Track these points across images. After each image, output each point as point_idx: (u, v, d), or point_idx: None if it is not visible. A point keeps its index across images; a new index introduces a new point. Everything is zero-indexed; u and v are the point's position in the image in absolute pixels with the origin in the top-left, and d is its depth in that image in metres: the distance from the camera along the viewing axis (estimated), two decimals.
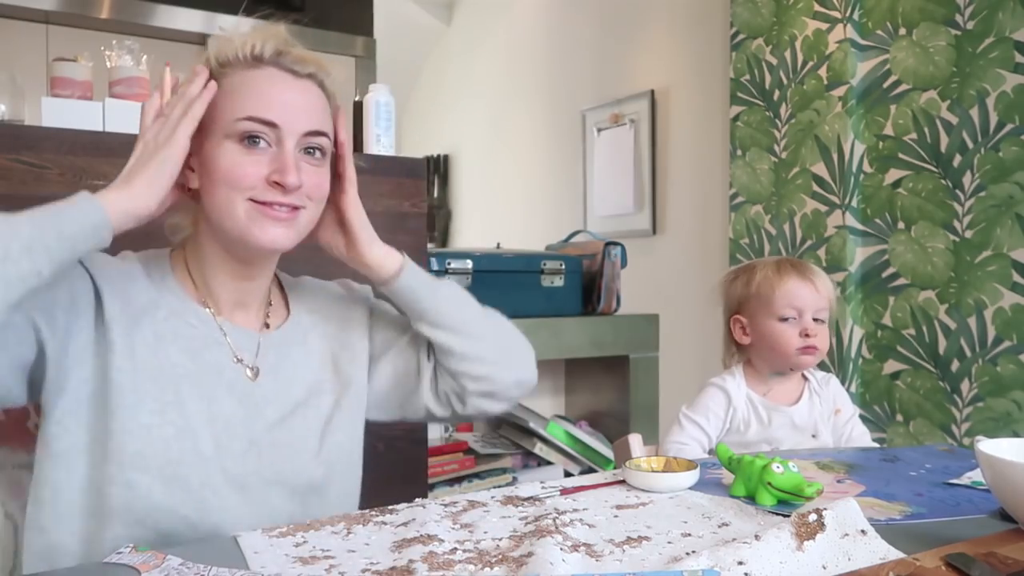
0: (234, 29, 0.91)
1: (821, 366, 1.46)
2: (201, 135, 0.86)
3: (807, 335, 1.31)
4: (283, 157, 0.85)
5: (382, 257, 0.96)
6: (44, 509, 0.83)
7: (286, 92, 0.87)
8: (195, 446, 0.85)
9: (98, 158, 1.26)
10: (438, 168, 4.80)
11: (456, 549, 0.71)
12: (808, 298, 1.32)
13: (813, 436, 1.33)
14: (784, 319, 1.33)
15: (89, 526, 0.82)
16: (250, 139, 0.85)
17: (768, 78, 2.50)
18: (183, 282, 0.91)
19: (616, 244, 2.07)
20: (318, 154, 0.90)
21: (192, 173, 0.88)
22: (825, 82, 2.31)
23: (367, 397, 1.01)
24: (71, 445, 0.82)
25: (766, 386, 1.36)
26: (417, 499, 0.90)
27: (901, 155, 2.14)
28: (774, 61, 2.48)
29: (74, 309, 0.83)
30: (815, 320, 1.32)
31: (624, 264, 2.08)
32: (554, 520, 0.77)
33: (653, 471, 0.94)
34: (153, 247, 0.95)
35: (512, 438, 2.04)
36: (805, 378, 1.39)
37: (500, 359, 1.01)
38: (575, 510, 0.84)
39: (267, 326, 0.96)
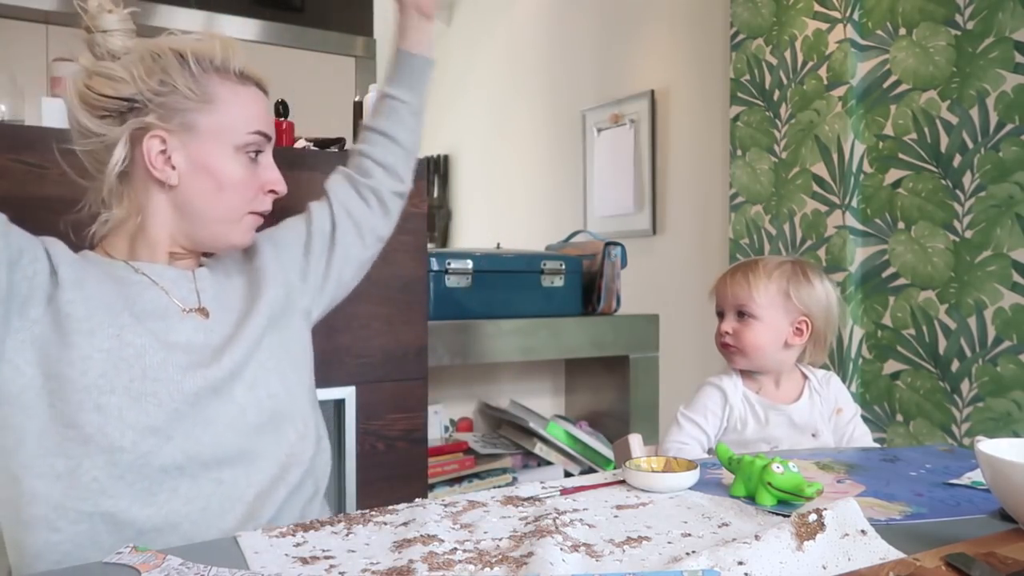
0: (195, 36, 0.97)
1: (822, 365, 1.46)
2: (193, 140, 0.92)
3: (719, 332, 1.36)
4: (273, 168, 0.98)
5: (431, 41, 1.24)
6: (12, 457, 0.83)
7: (267, 107, 0.99)
8: (160, 361, 0.88)
9: None
10: (438, 168, 4.81)
11: (456, 549, 0.71)
12: (723, 295, 1.37)
13: (813, 435, 1.32)
14: (719, 315, 1.38)
15: (64, 465, 0.83)
16: (255, 153, 0.96)
17: (768, 78, 2.50)
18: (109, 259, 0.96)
19: (616, 244, 2.08)
20: None
21: (172, 171, 0.92)
22: (825, 82, 2.31)
23: (320, 284, 1.13)
24: (25, 385, 0.83)
25: (756, 383, 1.37)
26: (417, 499, 0.90)
27: (901, 155, 2.14)
28: (774, 61, 2.48)
29: (21, 261, 0.85)
30: (742, 315, 1.34)
31: (624, 264, 2.08)
32: (554, 520, 0.77)
33: (653, 471, 0.94)
34: None
35: (512, 438, 2.04)
36: (805, 376, 1.38)
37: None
38: (575, 510, 0.84)
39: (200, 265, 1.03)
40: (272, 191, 0.99)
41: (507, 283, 1.93)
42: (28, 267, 0.85)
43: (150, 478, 0.85)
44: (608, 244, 2.06)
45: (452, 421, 2.13)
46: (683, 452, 1.30)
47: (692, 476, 0.92)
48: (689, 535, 0.76)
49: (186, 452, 0.87)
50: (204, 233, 0.97)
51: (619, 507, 0.85)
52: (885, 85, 2.18)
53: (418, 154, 1.22)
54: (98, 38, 0.92)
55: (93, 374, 0.84)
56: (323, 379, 1.31)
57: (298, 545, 0.74)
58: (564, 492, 0.91)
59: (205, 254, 1.05)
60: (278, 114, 1.55)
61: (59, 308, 0.85)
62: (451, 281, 1.82)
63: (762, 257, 1.40)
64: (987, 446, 0.77)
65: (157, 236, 0.96)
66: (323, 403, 1.22)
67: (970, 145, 1.98)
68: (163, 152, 0.92)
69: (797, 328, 1.34)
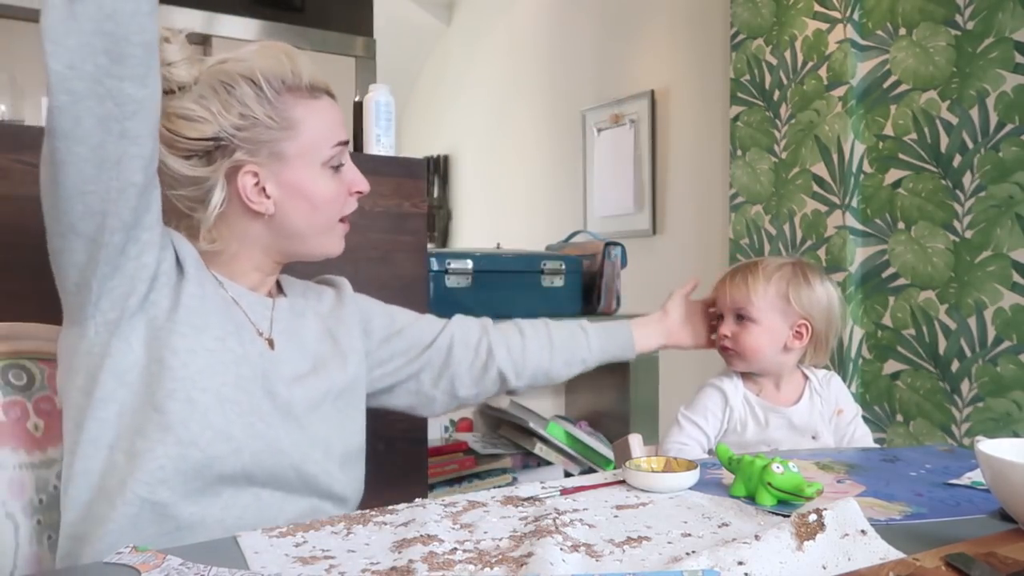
0: (244, 48, 0.96)
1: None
2: (283, 167, 0.93)
3: (718, 335, 1.35)
4: (354, 170, 1.00)
5: None
6: (107, 428, 0.84)
7: (340, 113, 0.99)
8: (249, 374, 0.90)
9: None
10: (438, 168, 4.81)
11: (456, 549, 0.71)
12: (722, 298, 1.35)
13: (813, 438, 1.32)
14: (718, 317, 1.37)
15: (140, 445, 0.83)
16: (338, 164, 0.97)
17: (768, 78, 2.50)
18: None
19: (616, 244, 2.07)
20: None
21: (268, 200, 0.93)
22: (825, 82, 2.31)
23: (371, 367, 1.11)
24: (133, 363, 0.85)
25: (757, 385, 1.36)
26: (417, 499, 0.90)
27: (901, 155, 2.14)
28: (774, 61, 2.48)
29: (164, 249, 0.88)
30: (740, 317, 1.33)
31: (624, 264, 2.08)
32: (554, 520, 0.78)
33: (653, 471, 0.94)
34: None
35: (512, 438, 2.04)
36: (806, 377, 1.38)
37: None
38: (575, 510, 0.84)
39: (270, 294, 1.03)
40: (358, 192, 1.00)
41: (507, 283, 1.93)
42: (164, 252, 0.88)
43: (206, 480, 0.86)
44: (608, 244, 2.06)
45: (452, 421, 2.13)
46: (683, 452, 1.30)
47: (692, 476, 0.92)
48: (689, 535, 0.76)
49: (246, 468, 0.88)
50: (302, 248, 0.99)
51: (619, 507, 0.85)
52: (885, 85, 2.18)
53: (545, 384, 1.26)
54: (163, 71, 0.88)
55: (193, 368, 0.85)
56: None
57: (298, 545, 0.74)
58: (564, 492, 0.91)
59: (284, 269, 1.06)
60: None
61: (180, 298, 0.87)
62: (451, 281, 1.82)
63: (762, 259, 1.39)
64: (987, 446, 0.78)
65: (250, 260, 0.97)
66: None
67: (970, 145, 1.98)
68: (256, 184, 0.93)
69: (797, 331, 1.33)
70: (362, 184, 1.00)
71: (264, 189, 0.93)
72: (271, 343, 0.97)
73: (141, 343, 0.85)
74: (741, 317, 1.33)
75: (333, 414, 1.01)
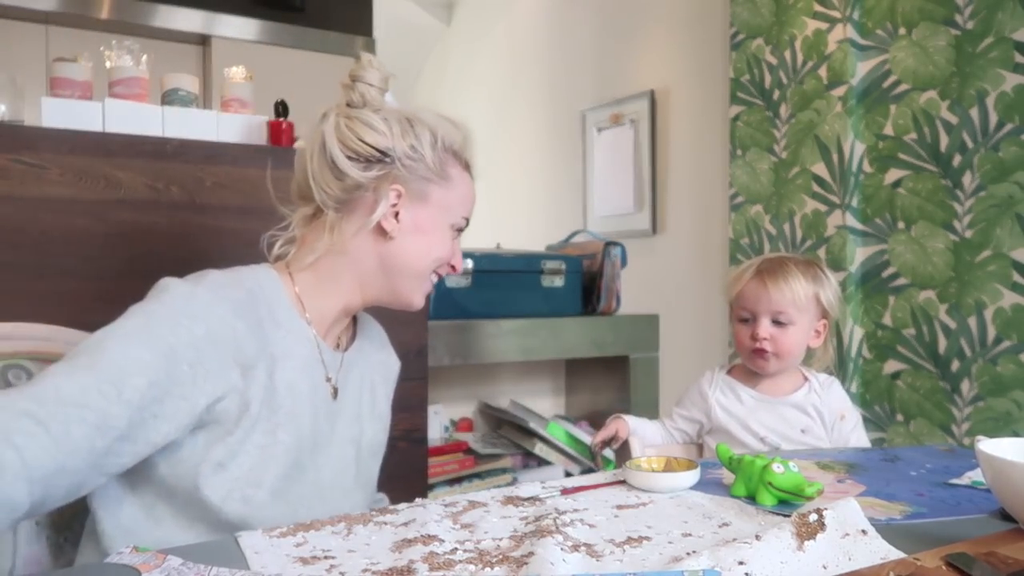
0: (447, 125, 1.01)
1: None
2: (422, 206, 0.98)
3: (754, 338, 1.32)
4: (459, 249, 1.06)
5: None
6: (152, 513, 0.86)
7: (475, 197, 1.07)
8: (296, 460, 0.91)
9: (98, 158, 1.26)
10: None
11: (456, 549, 0.71)
12: (759, 300, 1.32)
13: (802, 431, 1.32)
14: (742, 320, 1.35)
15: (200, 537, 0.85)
16: (457, 232, 1.04)
17: (768, 78, 2.50)
18: (292, 300, 0.96)
19: (616, 244, 2.08)
20: None
21: (396, 224, 0.97)
22: (825, 82, 2.31)
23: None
24: (203, 459, 0.85)
25: (753, 380, 1.37)
26: (417, 499, 0.90)
27: (901, 155, 2.14)
28: (774, 61, 2.48)
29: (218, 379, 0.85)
30: (776, 323, 1.31)
31: (624, 264, 2.08)
32: (554, 520, 0.77)
33: (653, 471, 0.95)
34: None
35: (512, 438, 2.04)
36: (806, 378, 1.38)
37: None
38: (575, 510, 0.84)
39: (338, 346, 1.04)
40: (452, 265, 1.05)
41: (507, 283, 1.93)
42: (218, 383, 0.85)
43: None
44: (608, 244, 2.06)
45: (452, 421, 2.13)
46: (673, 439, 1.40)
47: (692, 476, 0.92)
48: (690, 535, 0.76)
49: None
50: (396, 284, 1.00)
51: (619, 507, 0.85)
52: (885, 85, 2.18)
53: None
54: (359, 87, 0.97)
55: (246, 467, 0.86)
56: None
57: (298, 545, 0.74)
58: (564, 492, 0.91)
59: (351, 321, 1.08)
60: (278, 114, 1.55)
61: (248, 405, 0.86)
62: (451, 281, 1.82)
63: (781, 256, 1.38)
64: (987, 446, 0.78)
65: (341, 292, 0.98)
66: None
67: (970, 145, 1.98)
68: (394, 206, 0.97)
69: (816, 330, 1.34)
70: (459, 261, 1.06)
71: (398, 213, 0.97)
72: (335, 392, 1.00)
73: (210, 442, 0.85)
74: (777, 320, 1.32)
75: (367, 469, 1.06)
